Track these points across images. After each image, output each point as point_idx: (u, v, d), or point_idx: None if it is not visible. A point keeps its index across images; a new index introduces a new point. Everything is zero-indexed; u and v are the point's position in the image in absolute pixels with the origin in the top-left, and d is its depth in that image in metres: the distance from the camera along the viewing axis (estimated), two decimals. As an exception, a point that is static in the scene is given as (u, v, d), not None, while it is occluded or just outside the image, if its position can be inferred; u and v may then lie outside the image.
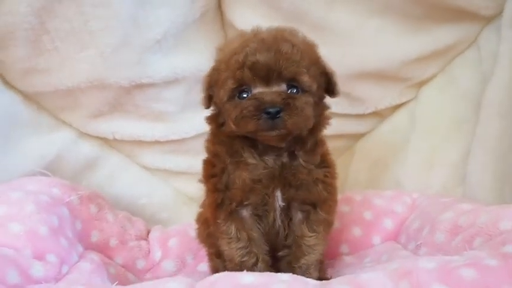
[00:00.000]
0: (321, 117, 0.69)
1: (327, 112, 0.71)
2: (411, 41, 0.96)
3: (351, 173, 1.12)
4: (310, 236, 0.71)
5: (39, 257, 0.72)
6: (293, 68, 0.62)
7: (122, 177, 1.06)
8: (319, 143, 0.70)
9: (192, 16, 0.94)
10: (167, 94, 0.99)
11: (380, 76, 0.99)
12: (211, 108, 0.71)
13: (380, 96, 1.04)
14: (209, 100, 0.70)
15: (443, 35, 0.94)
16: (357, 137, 1.13)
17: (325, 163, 0.71)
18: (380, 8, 0.93)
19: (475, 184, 0.93)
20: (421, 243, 0.81)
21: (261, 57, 0.62)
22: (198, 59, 0.99)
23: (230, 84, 0.64)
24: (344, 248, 0.93)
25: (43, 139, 0.96)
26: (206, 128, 1.04)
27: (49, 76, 0.91)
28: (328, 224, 0.74)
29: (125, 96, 0.96)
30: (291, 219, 0.70)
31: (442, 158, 1.00)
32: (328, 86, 0.68)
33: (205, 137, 1.06)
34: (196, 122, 1.05)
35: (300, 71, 0.63)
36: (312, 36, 0.95)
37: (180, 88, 1.00)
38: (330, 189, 0.71)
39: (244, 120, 0.62)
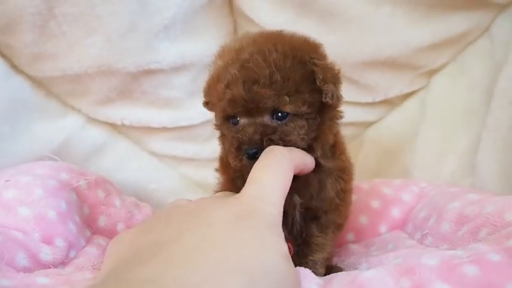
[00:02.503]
0: (323, 125, 0.63)
1: (335, 114, 0.64)
2: (423, 28, 0.94)
3: (360, 162, 1.11)
4: (319, 236, 0.69)
5: (48, 241, 0.73)
6: (271, 101, 0.57)
7: (130, 163, 1.07)
8: (337, 146, 0.67)
9: (200, 1, 0.93)
10: (175, 80, 0.98)
11: (391, 64, 0.98)
12: None
13: (390, 85, 1.03)
14: (208, 105, 0.69)
15: (456, 22, 0.93)
16: (366, 125, 1.12)
17: (340, 166, 0.68)
18: (392, -7, 0.92)
19: (485, 174, 0.92)
20: (427, 232, 0.80)
21: (237, 92, 0.57)
22: (206, 45, 0.98)
23: (218, 111, 0.62)
24: (350, 236, 0.92)
25: (51, 124, 0.96)
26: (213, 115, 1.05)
27: (57, 61, 0.90)
28: (338, 226, 0.72)
29: (133, 82, 0.96)
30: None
31: (451, 148, 0.99)
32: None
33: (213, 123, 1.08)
34: (203, 109, 1.05)
35: (281, 101, 0.57)
36: (321, 22, 0.95)
37: (187, 74, 0.99)
38: (343, 195, 0.69)
39: (231, 158, 0.61)
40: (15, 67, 0.92)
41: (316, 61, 0.60)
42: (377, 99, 1.05)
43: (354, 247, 0.88)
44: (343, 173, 0.69)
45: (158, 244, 0.44)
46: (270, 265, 0.44)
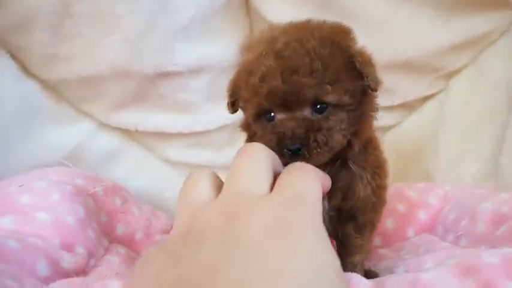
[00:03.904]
0: (363, 117, 0.60)
1: (373, 105, 0.61)
2: (443, 30, 0.93)
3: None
4: (357, 237, 0.66)
5: (68, 248, 0.69)
6: (313, 91, 0.53)
7: (143, 171, 1.03)
8: (371, 141, 0.64)
9: (219, 2, 0.90)
10: (192, 84, 0.95)
11: (410, 66, 0.97)
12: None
13: (409, 88, 1.01)
14: (234, 106, 0.63)
15: (476, 23, 0.92)
16: (385, 129, 1.10)
17: (375, 162, 0.64)
18: (413, -6, 0.90)
19: (509, 175, 0.90)
20: (461, 234, 0.78)
21: (275, 84, 0.53)
22: (223, 47, 0.96)
23: (251, 108, 0.57)
24: (377, 241, 0.90)
25: (63, 130, 0.92)
26: (229, 120, 1.03)
27: (71, 63, 0.87)
28: (374, 224, 0.69)
29: (149, 85, 0.93)
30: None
31: (473, 150, 0.97)
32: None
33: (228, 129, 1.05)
34: (220, 113, 1.01)
35: (323, 91, 0.53)
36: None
37: (204, 78, 0.96)
38: (379, 192, 0.65)
39: None
40: (26, 70, 0.88)
41: (352, 46, 0.57)
42: (396, 103, 1.03)
43: (383, 252, 0.85)
44: (379, 169, 0.65)
45: (193, 281, 0.36)
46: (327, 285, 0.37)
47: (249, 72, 0.56)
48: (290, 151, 0.53)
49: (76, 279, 0.64)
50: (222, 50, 0.95)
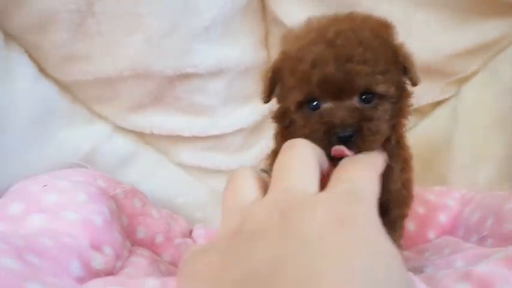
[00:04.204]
0: (402, 111, 0.61)
1: (410, 100, 0.62)
2: (457, 35, 0.94)
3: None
4: (390, 234, 0.66)
5: (97, 248, 0.67)
6: (366, 79, 0.53)
7: (157, 176, 1.01)
8: (402, 136, 0.64)
9: (239, 3, 0.90)
10: (210, 86, 0.94)
11: (424, 71, 0.95)
12: (275, 103, 0.63)
13: (422, 93, 1.02)
14: (269, 95, 0.61)
15: (490, 28, 0.93)
16: (399, 134, 1.10)
17: (404, 156, 0.65)
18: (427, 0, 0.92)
19: (524, 178, 0.92)
20: (486, 234, 0.78)
21: (329, 70, 0.53)
22: (241, 50, 0.95)
23: (297, 96, 0.56)
24: (399, 244, 0.89)
25: (78, 132, 0.90)
26: (246, 124, 1.02)
27: (90, 63, 0.85)
28: (404, 219, 0.69)
29: (167, 87, 0.92)
30: None
31: (487, 154, 0.98)
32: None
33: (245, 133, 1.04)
34: (236, 117, 1.01)
35: (375, 80, 0.53)
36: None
37: (222, 80, 0.96)
38: (409, 185, 0.66)
39: (314, 142, 0.51)
40: (42, 70, 0.86)
41: (397, 40, 0.58)
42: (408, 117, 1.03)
43: (406, 254, 0.85)
44: (407, 163, 0.65)
45: (255, 279, 0.35)
46: (396, 280, 0.35)
47: (298, 59, 0.55)
48: (340, 138, 0.52)
49: (111, 278, 0.62)
50: (239, 52, 0.95)
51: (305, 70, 0.54)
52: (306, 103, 0.56)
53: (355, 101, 0.54)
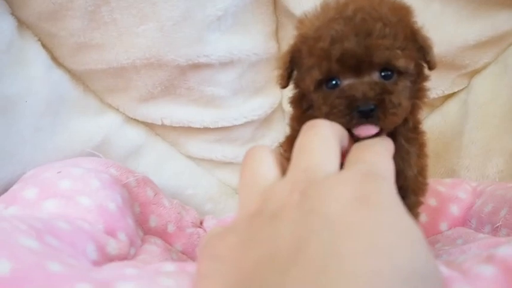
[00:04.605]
0: (420, 92, 0.60)
1: (426, 84, 0.61)
2: (470, 27, 0.94)
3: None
4: None
5: (112, 233, 0.67)
6: (386, 53, 0.52)
7: (166, 167, 1.01)
8: (418, 121, 0.63)
9: (252, -6, 0.91)
10: (221, 77, 0.94)
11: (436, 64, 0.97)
12: (292, 88, 0.63)
13: (433, 85, 1.01)
14: (287, 79, 0.61)
15: (503, 20, 0.93)
16: (408, 127, 1.10)
17: (421, 141, 0.63)
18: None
19: (536, 171, 0.92)
20: (500, 224, 0.78)
21: (349, 45, 0.52)
22: (253, 41, 0.95)
23: (316, 75, 0.55)
24: (410, 235, 0.89)
25: (90, 121, 0.90)
26: (256, 116, 1.02)
27: (103, 52, 0.85)
28: (420, 205, 0.68)
29: (179, 77, 0.91)
30: None
31: (498, 147, 0.98)
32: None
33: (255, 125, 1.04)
34: (246, 109, 1.01)
35: (395, 55, 0.53)
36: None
37: (233, 71, 0.95)
38: (424, 172, 0.65)
39: (335, 119, 0.52)
40: (54, 59, 0.86)
41: (415, 22, 0.58)
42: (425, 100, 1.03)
43: (417, 245, 0.84)
44: (423, 149, 0.64)
45: (276, 260, 0.35)
46: (422, 264, 0.34)
47: (316, 38, 0.54)
48: (362, 112, 0.51)
49: (128, 262, 0.62)
50: (251, 44, 0.95)
51: (324, 47, 0.53)
52: (326, 82, 0.55)
53: (375, 77, 0.54)
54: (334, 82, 0.55)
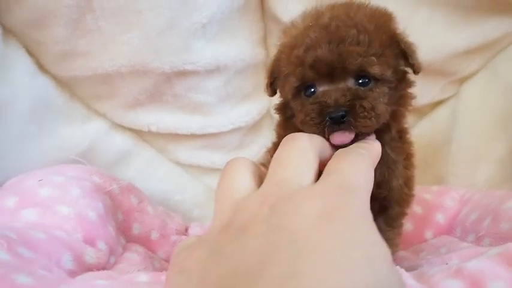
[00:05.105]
0: (402, 99, 0.60)
1: (411, 91, 0.61)
2: (459, 34, 0.94)
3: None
4: (388, 230, 0.65)
5: (90, 242, 0.67)
6: (359, 61, 0.52)
7: (154, 173, 1.01)
8: (404, 131, 0.63)
9: (237, 2, 0.90)
10: (207, 84, 0.94)
11: (424, 70, 0.94)
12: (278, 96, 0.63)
13: (421, 92, 0.99)
14: (272, 88, 0.62)
15: (491, 28, 0.93)
16: (398, 134, 1.10)
17: (407, 151, 0.64)
18: (428, -1, 0.91)
19: (524, 179, 0.91)
20: (483, 234, 0.77)
21: (322, 52, 0.52)
22: (239, 48, 0.95)
23: (292, 82, 0.55)
24: (395, 243, 0.89)
25: (76, 128, 0.90)
26: (243, 122, 1.02)
27: (88, 59, 0.85)
28: (404, 217, 0.69)
29: (165, 84, 0.92)
30: None
31: (487, 154, 0.98)
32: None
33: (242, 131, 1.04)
34: (234, 115, 1.01)
35: (368, 62, 0.53)
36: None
37: (220, 78, 0.95)
38: (410, 183, 0.65)
39: (309, 127, 0.54)
40: (41, 66, 0.86)
41: (396, 27, 0.58)
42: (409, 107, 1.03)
43: (402, 253, 0.84)
44: (410, 159, 0.64)
45: (239, 276, 0.34)
46: (384, 282, 0.34)
47: (293, 46, 0.55)
48: (333, 119, 0.51)
49: (102, 272, 0.62)
50: (237, 51, 0.95)
51: (299, 55, 0.54)
52: (303, 90, 0.56)
53: (350, 83, 0.54)
54: (311, 90, 0.55)
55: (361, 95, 0.53)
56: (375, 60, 0.53)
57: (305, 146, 0.45)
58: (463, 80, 1.02)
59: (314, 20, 0.56)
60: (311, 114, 0.53)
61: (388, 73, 0.54)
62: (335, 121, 0.51)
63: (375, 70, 0.53)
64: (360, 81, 0.54)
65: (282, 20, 0.95)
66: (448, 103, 1.05)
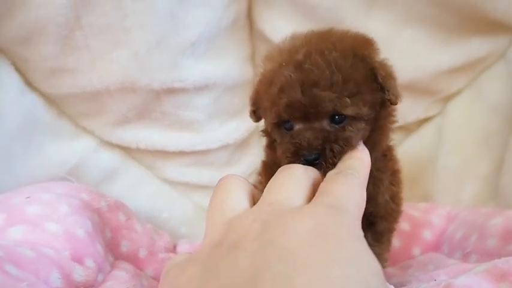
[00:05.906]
0: (382, 128, 0.61)
1: (392, 117, 0.62)
2: (443, 52, 0.95)
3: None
4: (375, 246, 0.65)
5: (79, 260, 0.66)
6: (332, 105, 0.53)
7: (141, 191, 1.00)
8: (389, 149, 0.65)
9: (226, 20, 0.91)
10: (196, 101, 0.95)
11: (410, 88, 0.98)
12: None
13: (407, 110, 1.03)
14: (257, 115, 0.63)
15: (475, 47, 0.94)
16: (384, 151, 1.11)
17: (393, 168, 0.65)
18: (414, 17, 0.93)
19: (509, 196, 0.92)
20: (470, 251, 0.78)
21: (295, 96, 0.53)
22: (228, 66, 0.96)
23: (270, 118, 0.57)
24: (383, 260, 0.89)
25: (64, 146, 0.90)
26: (232, 139, 1.02)
27: (77, 76, 0.85)
28: (392, 232, 0.69)
29: (153, 101, 0.92)
30: None
31: (472, 172, 0.99)
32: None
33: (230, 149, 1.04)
34: (222, 132, 1.02)
35: (342, 104, 0.53)
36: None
37: (209, 96, 0.96)
38: (397, 199, 0.66)
39: (287, 163, 0.53)
40: (29, 83, 0.86)
41: (375, 58, 0.57)
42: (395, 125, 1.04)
43: (389, 270, 0.85)
44: (396, 176, 0.65)
45: None
46: None
47: (269, 83, 0.56)
48: (307, 161, 0.52)
49: (91, 291, 0.62)
50: (226, 68, 0.96)
51: (274, 94, 0.55)
52: (283, 123, 0.57)
53: (324, 123, 0.55)
54: (289, 124, 0.56)
55: (331, 139, 0.53)
56: (349, 101, 0.53)
57: (299, 174, 0.47)
58: (448, 98, 1.04)
59: (289, 56, 0.56)
60: (287, 153, 0.54)
61: (364, 110, 0.54)
62: (308, 163, 0.52)
63: (349, 111, 0.53)
64: (336, 118, 0.54)
65: (271, 39, 0.96)
66: (433, 121, 1.06)
